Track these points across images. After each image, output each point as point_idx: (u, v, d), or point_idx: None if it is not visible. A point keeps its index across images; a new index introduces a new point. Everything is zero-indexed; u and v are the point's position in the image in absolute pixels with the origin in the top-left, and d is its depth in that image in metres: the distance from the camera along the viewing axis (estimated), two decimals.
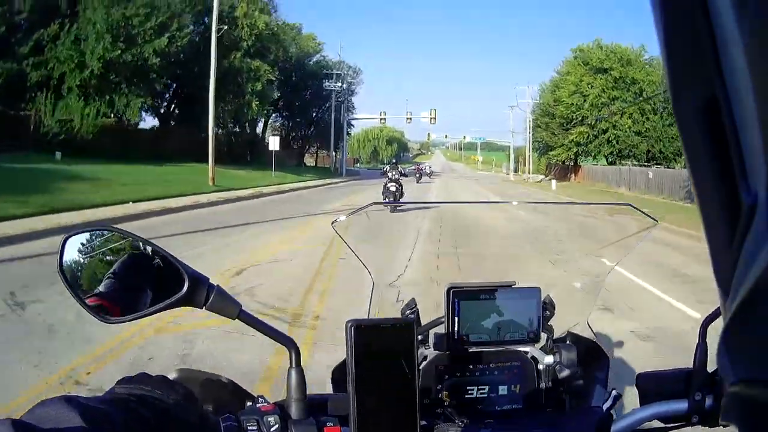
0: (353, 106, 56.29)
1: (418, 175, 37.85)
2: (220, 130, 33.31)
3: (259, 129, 45.40)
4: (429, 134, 73.99)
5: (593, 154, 44.28)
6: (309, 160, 59.52)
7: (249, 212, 13.66)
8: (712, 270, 0.32)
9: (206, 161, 20.86)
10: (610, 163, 42.42)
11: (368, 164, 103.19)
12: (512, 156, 71.35)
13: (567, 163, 47.27)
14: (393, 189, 16.80)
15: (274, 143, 27.84)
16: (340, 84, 49.10)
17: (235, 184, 21.14)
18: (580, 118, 41.78)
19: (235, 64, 31.29)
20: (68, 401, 0.50)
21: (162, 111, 33.87)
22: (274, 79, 36.24)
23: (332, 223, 1.02)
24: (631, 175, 33.90)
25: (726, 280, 0.31)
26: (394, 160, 21.64)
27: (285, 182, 26.83)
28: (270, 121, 49.52)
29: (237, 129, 39.14)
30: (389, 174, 17.95)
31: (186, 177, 20.30)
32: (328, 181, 34.72)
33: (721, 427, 0.77)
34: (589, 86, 40.96)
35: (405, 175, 23.46)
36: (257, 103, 33.80)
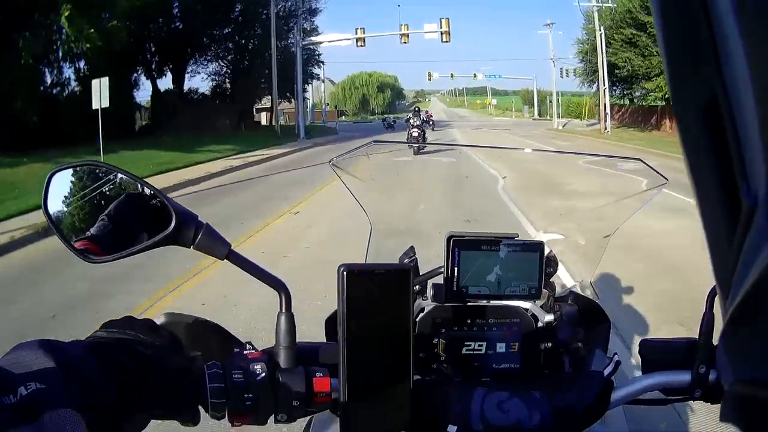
0: (316, 28, 36.89)
1: (416, 129, 21.30)
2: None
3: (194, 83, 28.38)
4: (430, 73, 55.89)
5: None
6: (264, 119, 43.45)
7: None
8: (712, 270, 0.33)
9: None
10: None
11: (354, 117, 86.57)
12: (536, 96, 55.31)
13: (647, 105, 30.47)
14: (416, 134, 20.06)
15: (97, 95, 12.44)
16: None
17: None
18: None
19: None
20: (44, 345, 0.49)
21: None
22: None
23: (330, 161, 1.01)
24: None
25: (726, 279, 0.31)
26: (416, 108, 25.39)
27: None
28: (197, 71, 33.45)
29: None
30: (412, 121, 21.51)
31: None
32: (247, 157, 17.29)
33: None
34: None
35: (427, 122, 23.76)
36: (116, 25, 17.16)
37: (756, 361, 0.30)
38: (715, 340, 0.73)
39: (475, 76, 62.64)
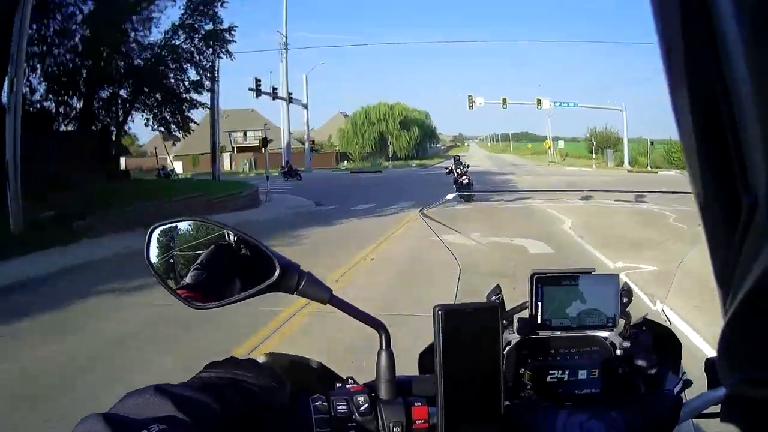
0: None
1: (465, 177, 19.08)
2: None
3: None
4: (471, 99, 37.04)
5: None
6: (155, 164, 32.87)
7: None
8: (712, 270, 0.33)
9: None
10: None
11: (363, 163, 58.87)
12: (626, 137, 35.49)
13: None
14: (466, 181, 18.31)
15: None
16: None
17: None
18: None
19: None
20: (157, 390, 0.52)
21: None
22: None
23: (419, 212, 1.17)
24: None
25: (726, 279, 0.31)
26: (456, 157, 21.92)
27: None
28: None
29: None
30: (456, 170, 19.55)
31: None
32: None
33: None
34: None
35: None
36: None
37: (756, 361, 0.30)
38: None
39: (539, 102, 42.50)
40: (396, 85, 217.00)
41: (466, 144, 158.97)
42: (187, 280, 0.71)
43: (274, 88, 40.58)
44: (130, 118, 20.44)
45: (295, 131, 51.45)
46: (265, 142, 23.40)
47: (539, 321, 0.95)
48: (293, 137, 52.21)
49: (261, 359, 0.72)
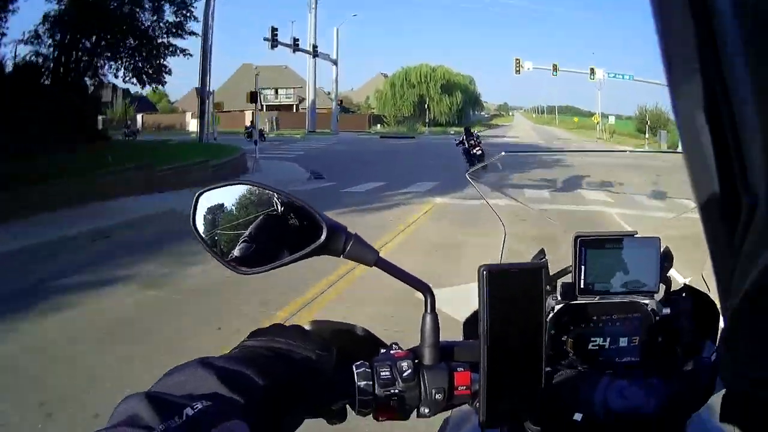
0: None
1: (478, 148, 16.21)
2: None
3: None
4: (518, 62, 31.91)
5: None
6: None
7: None
8: (713, 270, 0.33)
9: None
10: None
11: (398, 127, 53.69)
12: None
13: None
14: (479, 153, 15.85)
15: None
16: None
17: None
18: None
19: None
20: (201, 364, 0.52)
21: None
22: None
23: (467, 173, 1.17)
24: None
25: (726, 279, 0.31)
26: (467, 127, 18.10)
27: None
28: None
29: None
30: (468, 141, 16.41)
31: None
32: None
33: None
34: None
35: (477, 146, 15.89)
36: None
37: (756, 361, 0.29)
38: None
39: (592, 72, 37.52)
40: (439, 49, 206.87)
41: (510, 114, 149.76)
42: (235, 248, 0.71)
43: (296, 39, 35.34)
44: (105, 68, 17.47)
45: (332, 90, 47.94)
46: (254, 96, 18.21)
47: (582, 285, 0.94)
48: (329, 97, 48.70)
49: (306, 326, 0.72)
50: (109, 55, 17.42)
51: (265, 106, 54.57)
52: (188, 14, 17.50)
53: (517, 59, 37.53)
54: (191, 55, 18.94)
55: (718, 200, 0.30)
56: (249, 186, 0.72)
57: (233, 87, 54.12)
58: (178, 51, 18.09)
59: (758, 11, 0.26)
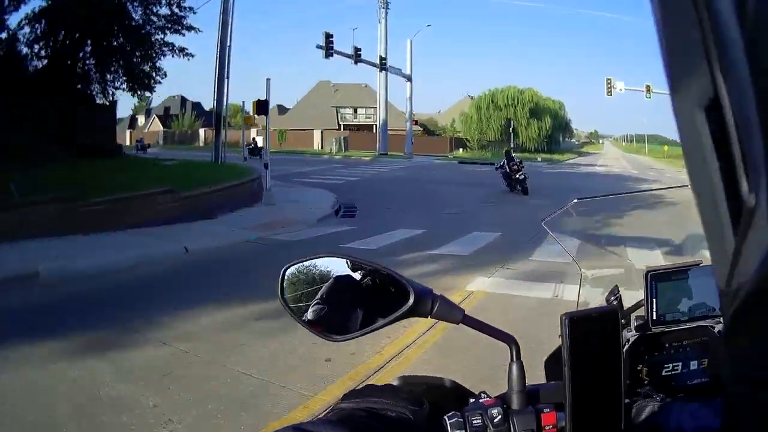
0: None
1: (521, 173, 15.24)
2: None
3: None
4: (610, 82, 27.48)
5: None
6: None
7: None
8: (713, 270, 0.33)
9: None
10: None
11: (481, 152, 47.98)
12: None
13: None
14: (521, 177, 14.98)
15: None
16: None
17: None
18: None
19: None
20: (296, 430, 0.52)
21: None
22: None
23: (543, 221, 1.20)
24: None
25: (726, 279, 0.31)
26: (507, 150, 17.37)
27: None
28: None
29: None
30: (509, 166, 15.39)
31: None
32: None
33: None
34: None
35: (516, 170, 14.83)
36: None
37: (756, 361, 0.29)
38: None
39: None
40: (527, 72, 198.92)
41: (600, 141, 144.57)
42: (324, 317, 0.73)
43: (357, 49, 30.71)
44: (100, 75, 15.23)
45: (417, 113, 44.63)
46: (264, 107, 13.36)
47: (654, 317, 0.99)
48: (414, 119, 45.49)
49: (396, 383, 0.75)
50: (100, 56, 15.37)
51: (342, 126, 52.69)
52: (185, 8, 15.21)
53: (608, 79, 34.58)
54: (192, 56, 16.72)
55: (718, 200, 0.30)
56: (332, 256, 0.75)
57: (307, 105, 52.68)
58: (176, 51, 16.05)
59: (758, 11, 0.26)
